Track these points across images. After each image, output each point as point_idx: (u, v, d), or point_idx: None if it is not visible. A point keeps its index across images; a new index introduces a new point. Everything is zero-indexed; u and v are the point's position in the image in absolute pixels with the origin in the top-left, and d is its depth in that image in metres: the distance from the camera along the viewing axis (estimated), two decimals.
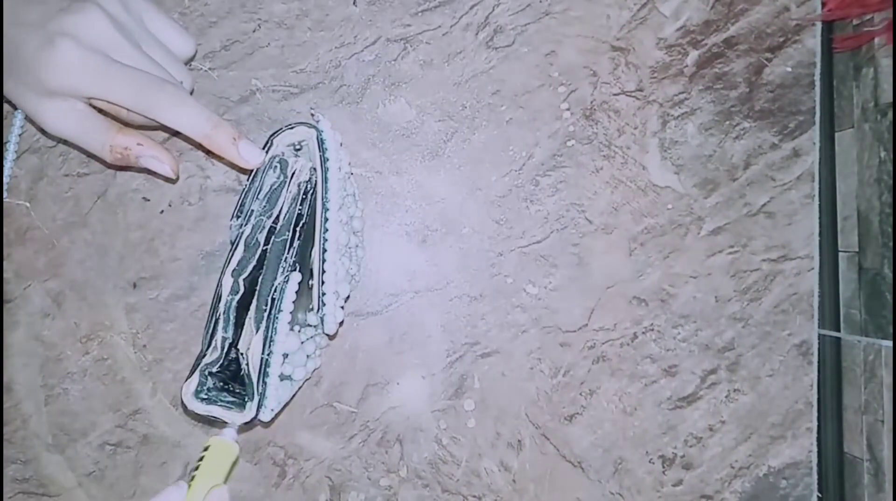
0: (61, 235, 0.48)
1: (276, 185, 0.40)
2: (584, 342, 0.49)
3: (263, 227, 0.40)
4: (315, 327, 0.42)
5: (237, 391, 0.40)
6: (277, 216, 0.40)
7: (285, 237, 0.40)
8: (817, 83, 0.50)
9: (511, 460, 0.48)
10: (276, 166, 0.40)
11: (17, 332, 0.47)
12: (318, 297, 0.40)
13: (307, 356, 0.41)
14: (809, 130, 0.50)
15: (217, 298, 0.39)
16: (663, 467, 0.49)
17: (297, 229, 0.40)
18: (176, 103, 0.36)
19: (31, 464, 0.47)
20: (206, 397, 0.39)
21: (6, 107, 0.47)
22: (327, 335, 0.42)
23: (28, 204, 0.48)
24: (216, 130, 0.37)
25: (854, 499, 0.49)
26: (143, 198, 0.48)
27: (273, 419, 0.40)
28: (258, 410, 0.38)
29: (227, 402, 0.39)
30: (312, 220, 0.40)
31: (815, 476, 0.49)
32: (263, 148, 0.40)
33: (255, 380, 0.38)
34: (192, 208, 0.48)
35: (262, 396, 0.38)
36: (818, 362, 0.49)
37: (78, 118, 0.37)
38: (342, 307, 0.42)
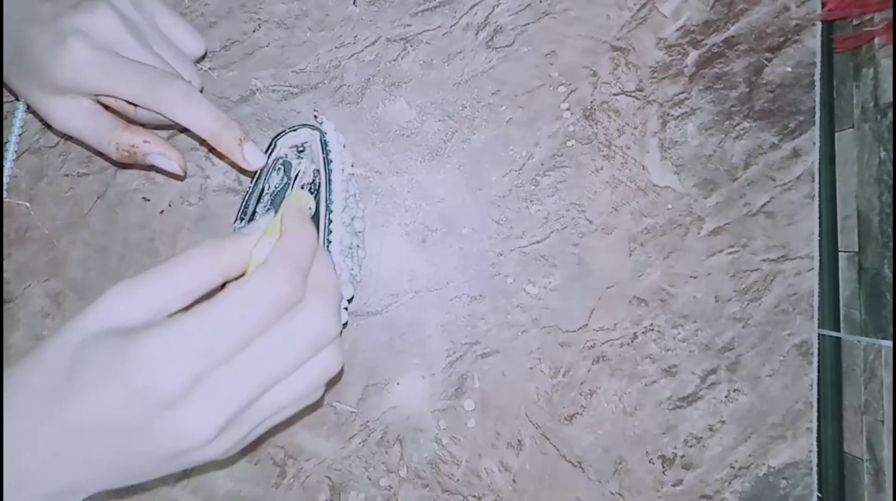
0: (61, 235, 0.48)
1: (280, 187, 0.40)
2: (584, 342, 0.49)
3: None
4: None
5: None
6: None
7: None
8: (817, 83, 0.50)
9: (511, 460, 0.48)
10: (279, 168, 0.40)
11: (17, 332, 0.47)
12: None
13: None
14: (809, 130, 0.50)
15: None
16: (663, 467, 0.49)
17: None
18: (185, 98, 0.36)
19: None
20: None
21: (6, 107, 0.47)
22: None
23: (28, 204, 0.47)
24: (224, 130, 0.37)
25: (854, 499, 0.49)
26: (143, 198, 0.48)
27: None
28: None
29: None
30: (316, 222, 0.40)
31: (815, 476, 0.49)
32: (266, 150, 0.40)
33: None
34: (192, 208, 0.48)
35: None
36: (818, 362, 0.49)
37: (85, 116, 0.37)
38: (346, 309, 0.42)
